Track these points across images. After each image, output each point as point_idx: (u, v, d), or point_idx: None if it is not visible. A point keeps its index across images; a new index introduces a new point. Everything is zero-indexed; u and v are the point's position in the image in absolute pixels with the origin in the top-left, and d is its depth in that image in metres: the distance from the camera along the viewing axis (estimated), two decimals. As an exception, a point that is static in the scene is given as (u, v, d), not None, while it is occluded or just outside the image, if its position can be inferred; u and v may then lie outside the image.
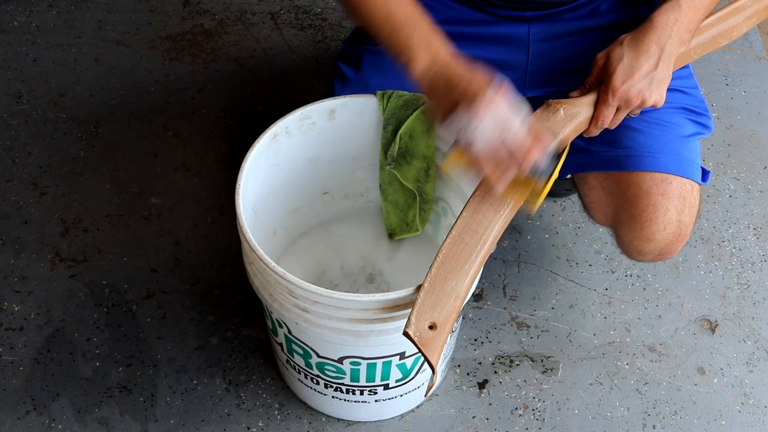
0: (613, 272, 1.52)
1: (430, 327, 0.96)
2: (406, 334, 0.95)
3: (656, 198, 1.16)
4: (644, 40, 1.08)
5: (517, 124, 0.97)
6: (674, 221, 1.18)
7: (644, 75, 1.08)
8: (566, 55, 1.27)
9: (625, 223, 1.20)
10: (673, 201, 1.17)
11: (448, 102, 0.99)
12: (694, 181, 1.20)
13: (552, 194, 1.61)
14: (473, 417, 1.34)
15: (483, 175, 1.00)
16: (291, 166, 1.25)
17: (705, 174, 1.22)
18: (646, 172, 1.17)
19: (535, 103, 1.26)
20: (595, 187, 1.24)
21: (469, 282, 1.00)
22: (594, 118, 1.10)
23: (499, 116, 0.96)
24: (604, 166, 1.20)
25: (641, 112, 1.15)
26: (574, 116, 1.09)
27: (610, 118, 1.10)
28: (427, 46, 1.03)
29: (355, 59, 1.29)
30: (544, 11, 1.24)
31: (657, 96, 1.09)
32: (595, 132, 1.12)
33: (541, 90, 1.29)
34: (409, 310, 0.98)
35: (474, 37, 1.25)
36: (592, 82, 1.13)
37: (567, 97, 1.14)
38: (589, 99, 1.11)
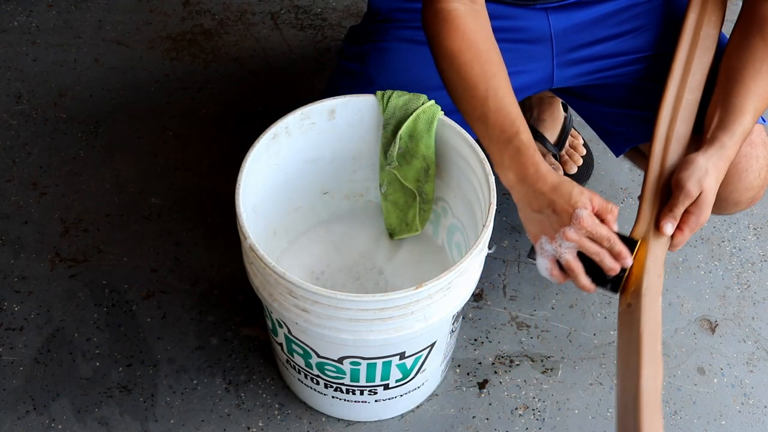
0: (613, 272, 1.52)
1: None
2: None
3: (745, 149, 1.19)
4: (724, 169, 1.12)
5: (606, 236, 1.06)
6: (764, 166, 1.21)
7: None
8: (592, 40, 1.29)
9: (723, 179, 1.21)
10: (759, 148, 1.21)
11: (534, 226, 1.08)
12: (762, 125, 1.24)
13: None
14: (473, 417, 1.34)
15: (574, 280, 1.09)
16: (291, 166, 1.25)
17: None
18: None
19: (567, 93, 1.38)
20: None
21: None
22: (676, 245, 1.14)
23: (580, 238, 1.05)
24: None
25: None
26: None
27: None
28: (516, 165, 1.07)
29: (359, 57, 1.29)
30: (556, 3, 1.26)
31: None
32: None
33: (571, 80, 1.32)
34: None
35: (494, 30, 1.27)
36: (662, 199, 1.14)
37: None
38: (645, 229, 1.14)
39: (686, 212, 1.11)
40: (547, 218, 1.06)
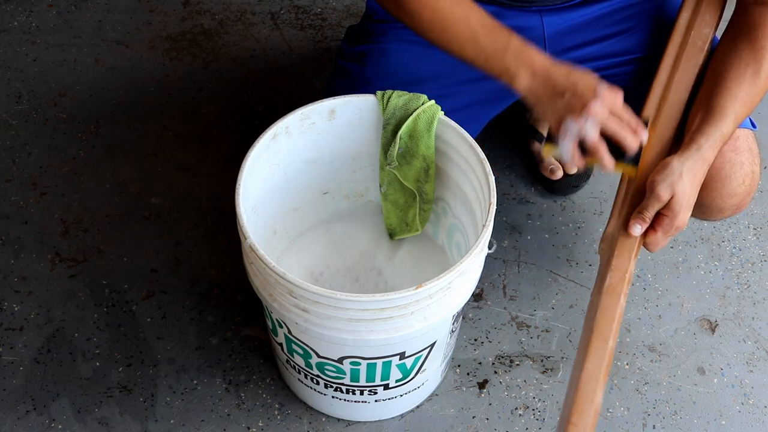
0: (613, 272, 1.51)
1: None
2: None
3: (729, 155, 1.19)
4: (700, 173, 1.12)
5: (624, 113, 1.10)
6: (749, 173, 1.21)
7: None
8: (584, 41, 1.29)
9: (705, 184, 1.20)
10: (744, 154, 1.20)
11: (556, 112, 1.08)
12: (750, 130, 1.23)
13: (554, 192, 1.61)
14: (473, 417, 1.34)
15: (597, 157, 1.10)
16: (291, 166, 1.25)
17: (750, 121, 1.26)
18: None
19: None
20: None
21: None
22: (651, 245, 1.14)
23: (605, 113, 1.08)
24: None
25: None
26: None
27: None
28: (523, 63, 1.09)
29: (357, 57, 1.29)
30: (552, 5, 1.26)
31: None
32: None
33: None
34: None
35: None
36: (634, 202, 1.14)
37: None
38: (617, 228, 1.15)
39: (660, 215, 1.11)
40: (569, 100, 1.07)
